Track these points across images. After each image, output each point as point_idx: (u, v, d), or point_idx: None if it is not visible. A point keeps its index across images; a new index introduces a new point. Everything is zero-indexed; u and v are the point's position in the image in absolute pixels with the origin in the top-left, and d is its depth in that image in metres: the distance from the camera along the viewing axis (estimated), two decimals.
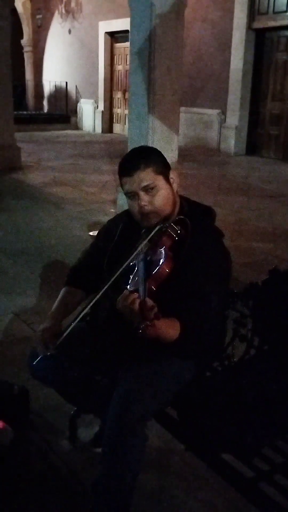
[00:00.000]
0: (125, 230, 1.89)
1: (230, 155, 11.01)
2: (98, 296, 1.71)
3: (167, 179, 1.78)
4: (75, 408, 2.24)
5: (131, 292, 1.52)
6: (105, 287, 1.70)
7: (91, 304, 1.72)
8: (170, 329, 1.59)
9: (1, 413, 2.22)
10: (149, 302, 1.44)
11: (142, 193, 1.74)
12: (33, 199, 6.83)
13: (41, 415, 2.42)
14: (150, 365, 1.71)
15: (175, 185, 1.82)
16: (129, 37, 5.07)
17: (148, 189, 1.73)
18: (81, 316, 1.76)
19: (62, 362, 1.85)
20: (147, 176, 1.73)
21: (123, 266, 1.70)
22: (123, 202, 4.80)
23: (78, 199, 6.88)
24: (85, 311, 1.71)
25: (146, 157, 1.78)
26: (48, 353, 1.78)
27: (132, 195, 1.76)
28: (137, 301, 1.45)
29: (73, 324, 1.75)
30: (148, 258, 1.67)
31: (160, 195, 1.75)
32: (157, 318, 1.44)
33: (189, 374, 1.82)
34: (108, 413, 1.64)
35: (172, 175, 1.82)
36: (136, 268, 1.66)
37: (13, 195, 7.02)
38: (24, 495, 1.99)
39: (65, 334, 1.75)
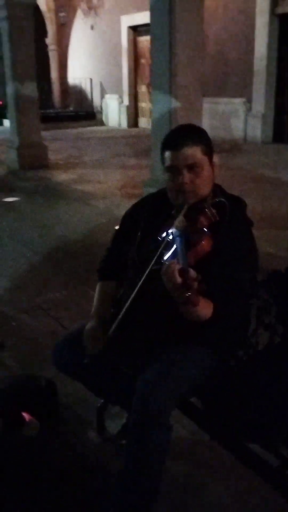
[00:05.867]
0: (151, 213, 1.87)
1: (257, 144, 10.84)
2: (138, 286, 1.64)
3: (211, 161, 1.76)
4: (102, 400, 2.25)
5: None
6: (143, 278, 1.63)
7: (133, 295, 1.65)
8: (205, 308, 1.56)
9: (28, 406, 2.25)
10: (192, 271, 1.41)
11: (185, 170, 1.70)
12: (60, 196, 6.89)
13: (70, 407, 2.45)
14: (170, 354, 1.70)
15: (216, 169, 1.79)
16: (150, 27, 5.02)
17: (192, 167, 1.70)
18: (125, 309, 1.67)
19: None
20: (194, 153, 1.70)
21: (160, 248, 1.64)
22: None
23: (104, 194, 6.90)
24: (127, 305, 1.65)
25: (196, 134, 1.75)
26: (97, 352, 1.77)
27: (173, 170, 1.73)
28: (177, 271, 1.41)
29: (118, 319, 1.69)
30: (185, 235, 1.60)
31: (203, 176, 1.72)
32: (202, 289, 1.40)
33: (211, 361, 1.79)
34: (132, 405, 1.64)
35: (215, 159, 1.79)
36: (173, 245, 1.60)
37: (40, 193, 7.11)
38: (53, 485, 2.01)
39: (113, 328, 1.70)
